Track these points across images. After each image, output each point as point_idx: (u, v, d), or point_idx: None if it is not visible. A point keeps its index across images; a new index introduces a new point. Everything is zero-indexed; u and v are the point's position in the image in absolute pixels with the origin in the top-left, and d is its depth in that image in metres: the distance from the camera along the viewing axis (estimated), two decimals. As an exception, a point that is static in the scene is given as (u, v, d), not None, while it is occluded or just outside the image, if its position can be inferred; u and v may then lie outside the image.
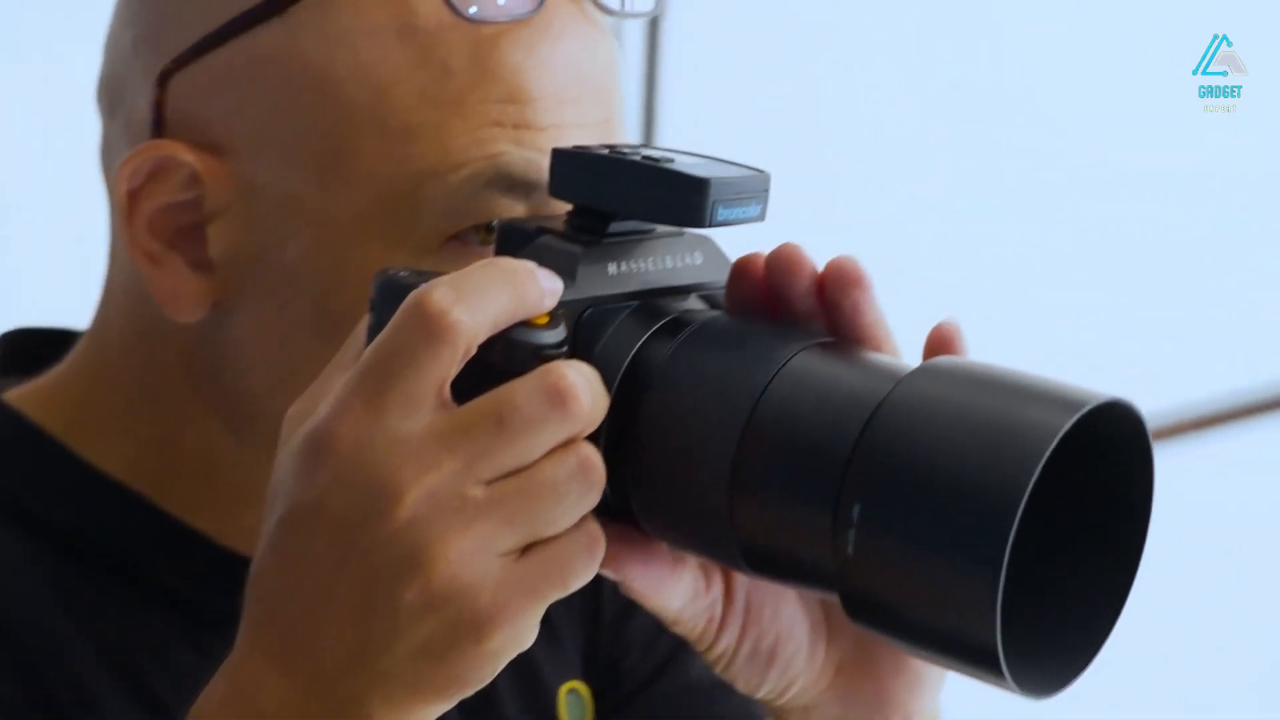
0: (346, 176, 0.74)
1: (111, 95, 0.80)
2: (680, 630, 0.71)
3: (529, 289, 0.63)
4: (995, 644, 0.58)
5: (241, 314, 0.77)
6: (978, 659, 0.60)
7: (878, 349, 0.67)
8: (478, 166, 0.73)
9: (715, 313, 0.68)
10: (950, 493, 0.59)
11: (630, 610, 0.90)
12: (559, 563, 0.63)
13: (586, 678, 0.91)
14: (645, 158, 0.67)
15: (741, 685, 0.72)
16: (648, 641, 0.92)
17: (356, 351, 0.65)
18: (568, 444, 0.62)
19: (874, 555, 0.60)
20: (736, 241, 0.71)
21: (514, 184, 0.73)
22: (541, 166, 0.71)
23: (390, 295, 0.63)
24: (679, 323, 0.67)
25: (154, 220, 0.76)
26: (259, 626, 0.64)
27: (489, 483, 0.61)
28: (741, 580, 0.70)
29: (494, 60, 0.73)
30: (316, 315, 0.75)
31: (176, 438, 0.81)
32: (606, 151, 0.68)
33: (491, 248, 0.72)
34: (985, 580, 0.58)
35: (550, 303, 0.64)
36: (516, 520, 0.62)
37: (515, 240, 0.69)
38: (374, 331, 0.63)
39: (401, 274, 0.64)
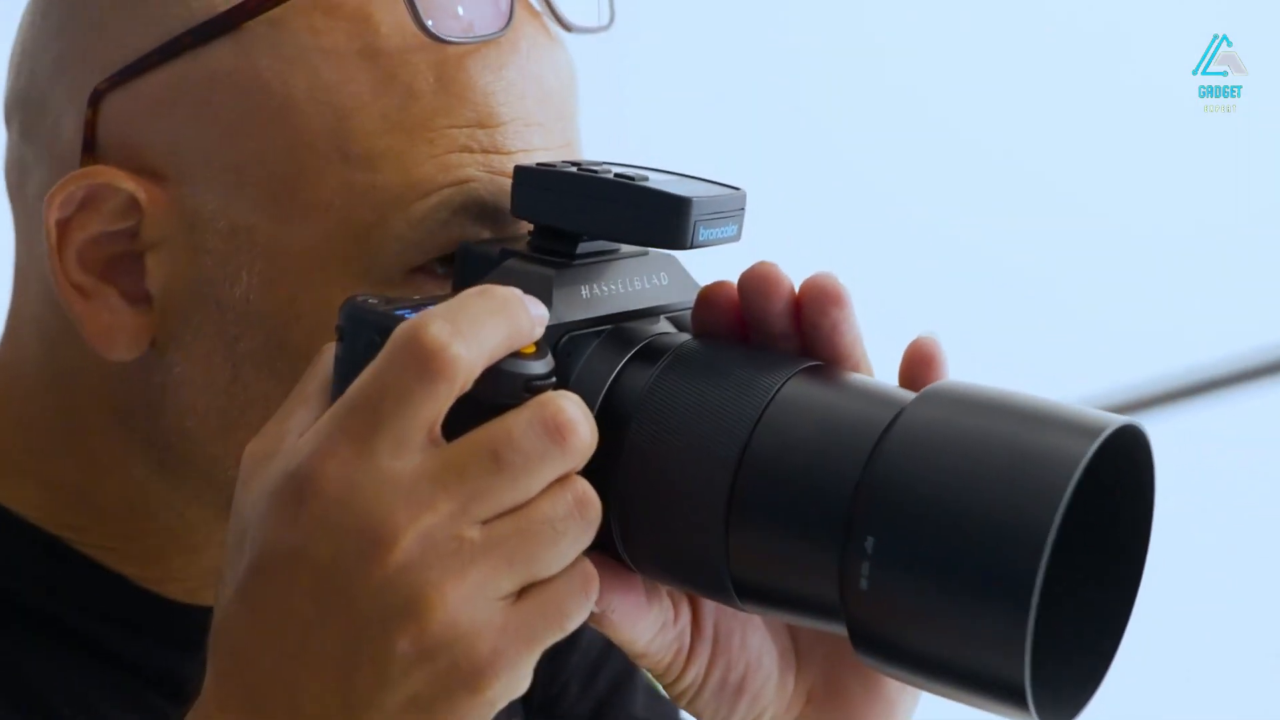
0: (303, 206, 0.69)
1: (25, 114, 0.74)
2: (646, 663, 0.68)
3: (521, 318, 0.60)
4: (1023, 680, 0.56)
5: (183, 351, 0.71)
6: (1002, 694, 0.58)
7: (855, 370, 0.65)
8: (446, 194, 0.68)
9: (687, 337, 0.66)
10: (972, 524, 0.57)
11: (567, 646, 0.86)
12: (557, 604, 0.60)
13: (525, 717, 0.87)
14: (618, 175, 0.65)
15: (708, 718, 0.69)
16: (586, 678, 0.90)
17: (320, 384, 0.62)
18: (563, 480, 0.59)
19: (890, 589, 0.58)
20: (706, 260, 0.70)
21: (483, 211, 0.69)
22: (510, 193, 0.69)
23: (360, 324, 0.60)
24: (653, 348, 0.64)
25: (84, 251, 0.71)
26: (227, 682, 0.60)
27: (485, 523, 0.59)
28: (709, 609, 0.68)
29: (461, 82, 0.69)
30: (269, 353, 0.70)
31: (98, 481, 0.75)
32: (575, 169, 0.66)
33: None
34: (1014, 615, 0.56)
35: (539, 331, 0.61)
36: (515, 562, 0.59)
37: (476, 264, 0.66)
38: (343, 362, 0.61)
39: (369, 301, 0.61)
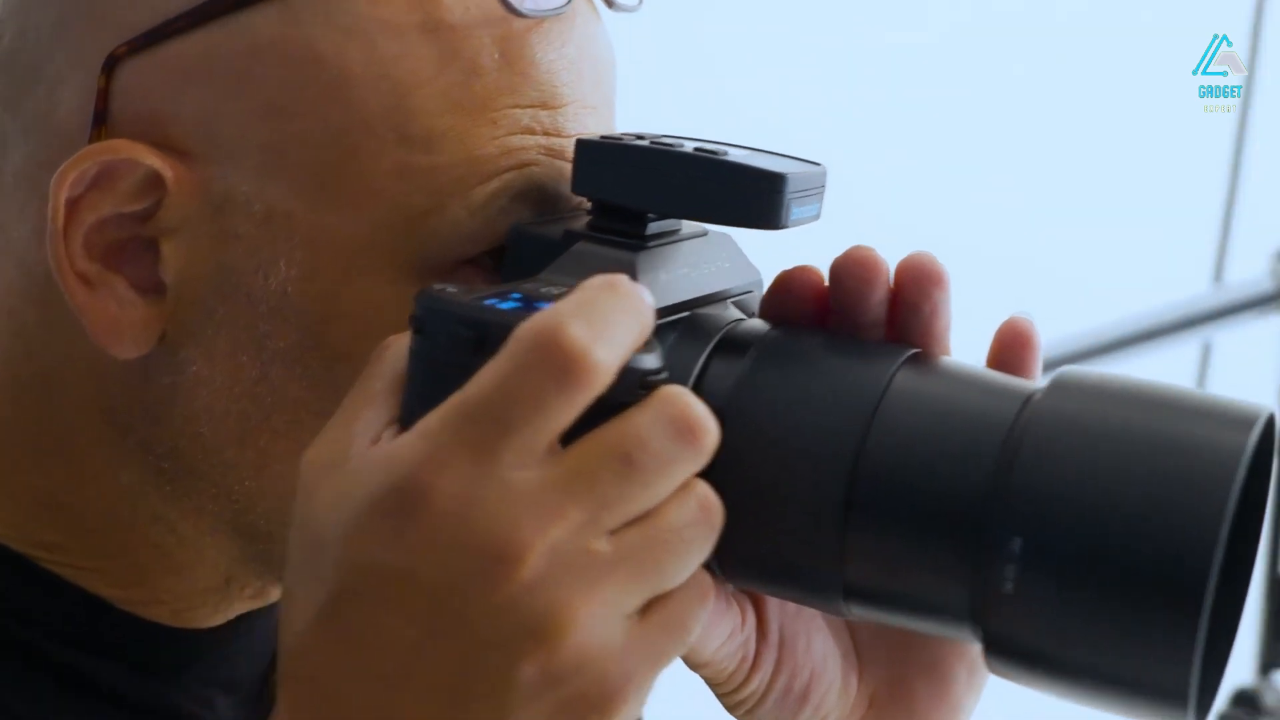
0: (351, 191, 0.63)
1: (7, 82, 0.67)
2: (706, 673, 0.64)
3: (646, 313, 0.56)
4: (1188, 685, 0.55)
5: (200, 347, 0.65)
6: (1159, 699, 0.56)
7: (945, 355, 0.62)
8: (507, 179, 0.64)
9: (765, 326, 0.62)
10: (1132, 523, 0.55)
11: None
12: (679, 619, 0.56)
13: None
14: (699, 150, 0.61)
15: None
16: None
17: (388, 383, 0.57)
18: (685, 484, 0.55)
19: (1039, 592, 0.56)
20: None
21: (542, 198, 0.64)
22: (570, 179, 0.64)
23: (443, 316, 0.56)
24: (734, 339, 0.61)
25: (91, 234, 0.64)
26: (306, 713, 0.55)
27: (612, 534, 0.54)
28: (774, 612, 0.65)
29: (526, 59, 0.64)
30: (303, 351, 0.65)
31: (78, 492, 0.68)
32: (647, 142, 0.62)
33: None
34: (1183, 617, 0.54)
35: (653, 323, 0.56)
36: (644, 575, 0.55)
37: (533, 248, 0.62)
38: (422, 358, 0.57)
39: (448, 290, 0.57)
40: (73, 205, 0.64)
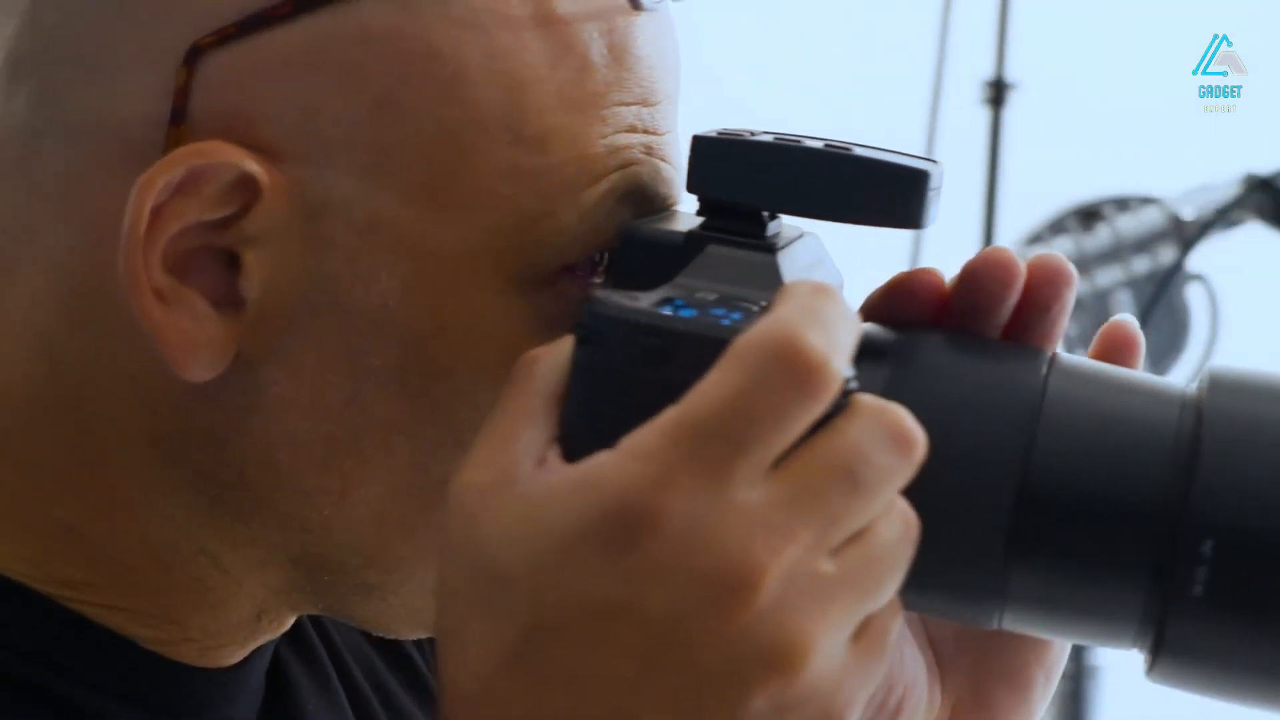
0: (461, 195, 0.59)
1: (48, 75, 0.60)
2: None
3: (856, 319, 0.54)
4: None
5: (285, 366, 0.60)
6: None
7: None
8: (614, 179, 0.60)
9: (883, 329, 0.60)
10: None
11: None
12: (883, 640, 0.54)
13: None
14: (830, 146, 0.59)
15: None
16: None
17: (547, 399, 0.55)
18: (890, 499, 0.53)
19: (1230, 594, 0.55)
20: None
21: (642, 199, 0.61)
22: (668, 179, 0.62)
23: (620, 327, 0.54)
24: (866, 344, 0.58)
25: (170, 245, 0.59)
26: None
27: (834, 553, 0.52)
28: None
29: (632, 54, 0.61)
30: (402, 370, 0.60)
31: (113, 525, 0.63)
32: (772, 139, 0.59)
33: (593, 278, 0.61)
34: None
35: None
36: (865, 597, 0.53)
37: (648, 251, 0.59)
38: (593, 372, 0.54)
39: (617, 300, 0.54)
40: (155, 213, 0.58)
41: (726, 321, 0.54)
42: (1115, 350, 0.62)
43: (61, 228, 0.61)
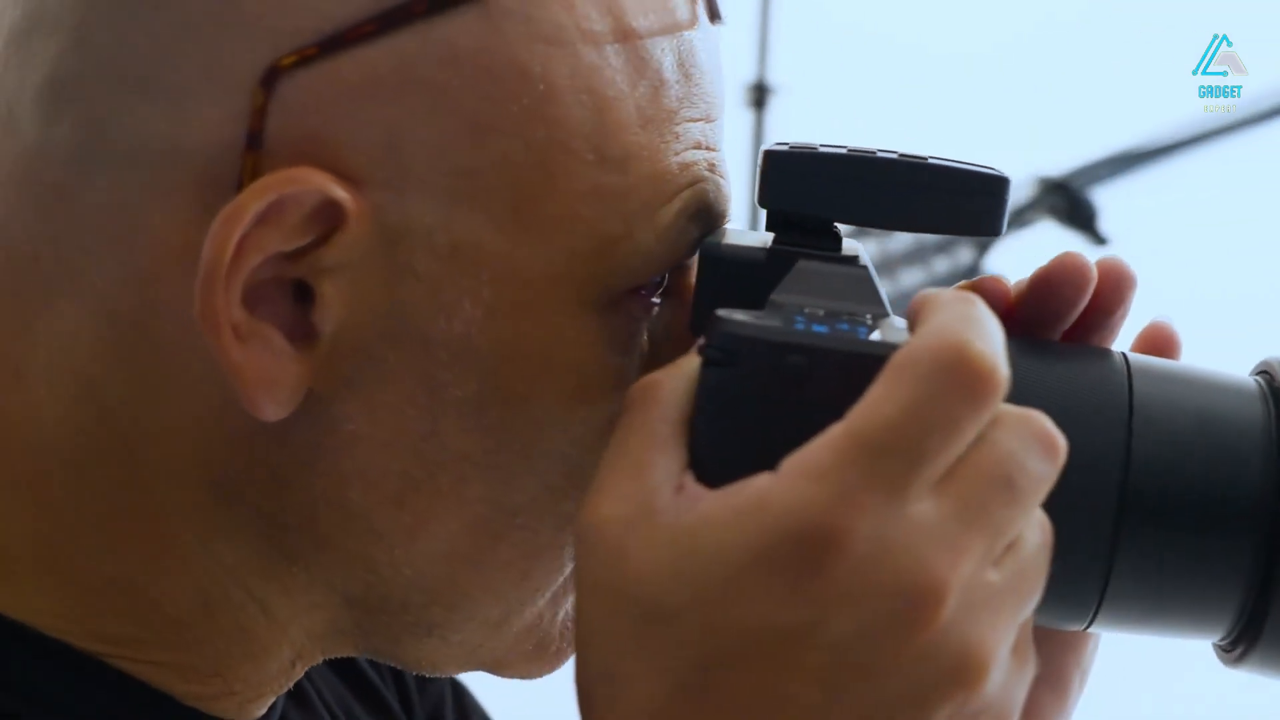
0: (546, 218, 0.57)
1: (100, 98, 0.56)
2: None
3: (1000, 327, 0.53)
4: None
5: (362, 402, 0.57)
6: None
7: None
8: (685, 198, 0.59)
9: None
10: None
11: (422, 683, 0.80)
12: (1031, 646, 0.54)
13: None
14: (904, 157, 0.59)
15: None
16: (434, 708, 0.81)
17: (675, 425, 0.54)
18: None
19: None
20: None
21: (712, 217, 0.60)
22: (727, 196, 0.61)
23: (767, 349, 0.53)
24: None
25: (249, 278, 0.55)
26: None
27: (996, 563, 0.52)
28: None
29: (698, 69, 0.60)
30: (481, 401, 0.58)
31: (159, 578, 0.59)
32: (845, 151, 0.59)
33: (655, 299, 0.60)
34: None
35: None
36: (1024, 605, 0.52)
37: (730, 269, 0.59)
38: (725, 394, 0.53)
39: (746, 319, 0.54)
40: (241, 245, 0.55)
41: (862, 336, 0.54)
42: (1159, 349, 0.63)
43: (110, 262, 0.57)
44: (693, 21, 0.60)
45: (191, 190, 0.56)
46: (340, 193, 0.55)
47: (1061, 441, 0.52)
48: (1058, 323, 0.61)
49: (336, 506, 0.58)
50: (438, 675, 0.71)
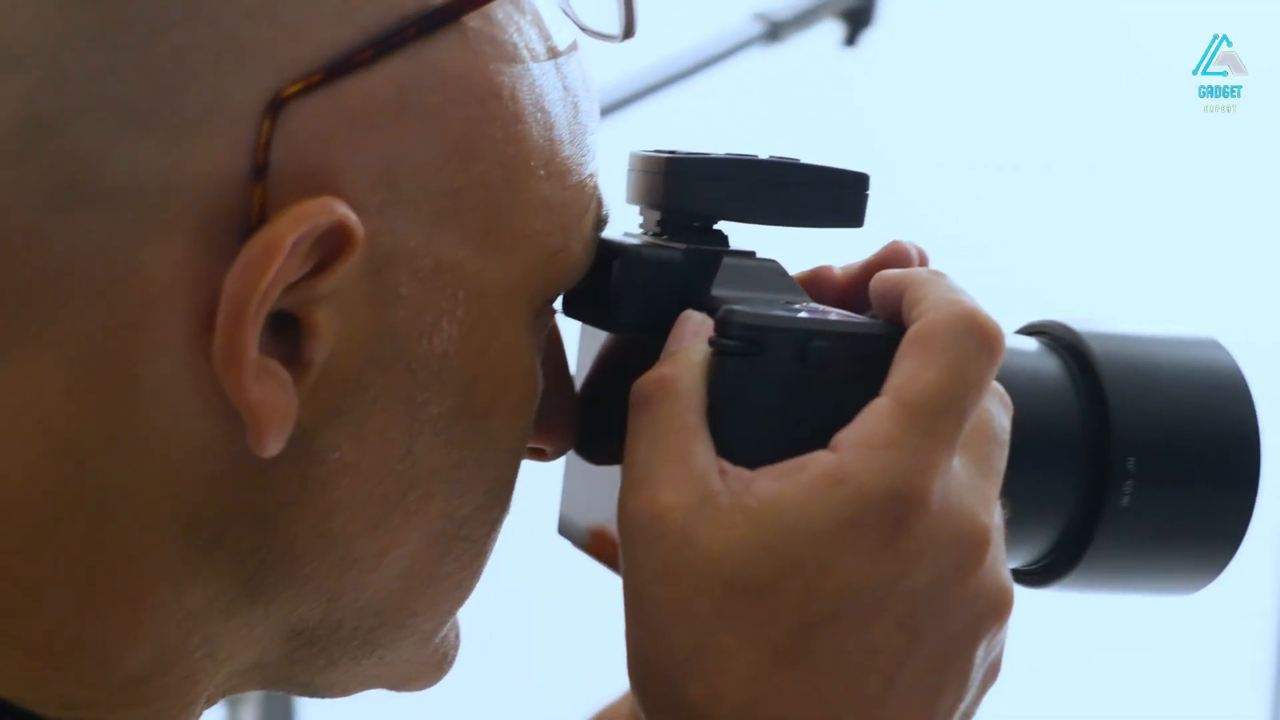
0: (511, 234, 0.57)
1: (80, 138, 0.53)
2: None
3: None
4: (1235, 551, 0.67)
5: (346, 430, 0.56)
6: (1213, 565, 0.67)
7: None
8: (594, 208, 0.61)
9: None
10: (1205, 438, 0.66)
11: None
12: None
13: None
14: (775, 158, 0.63)
15: None
16: None
17: (701, 414, 0.57)
18: None
19: (1148, 502, 0.65)
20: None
21: (604, 224, 0.62)
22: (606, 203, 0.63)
23: (788, 336, 0.57)
24: None
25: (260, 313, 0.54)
26: None
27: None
28: None
29: (590, 85, 0.61)
30: (452, 418, 0.58)
31: (129, 635, 0.56)
32: (725, 155, 0.63)
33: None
34: (1247, 498, 0.66)
35: None
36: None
37: (649, 272, 0.62)
38: (745, 379, 0.57)
39: (757, 311, 0.58)
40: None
41: (852, 318, 0.60)
42: (899, 264, 0.66)
43: (89, 307, 0.53)
44: (571, 47, 0.61)
45: (187, 227, 0.53)
46: (354, 221, 0.54)
47: (1009, 401, 0.59)
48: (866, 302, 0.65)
49: (317, 537, 0.57)
50: (336, 698, 0.69)
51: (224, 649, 0.58)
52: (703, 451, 0.56)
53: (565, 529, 0.69)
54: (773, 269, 0.62)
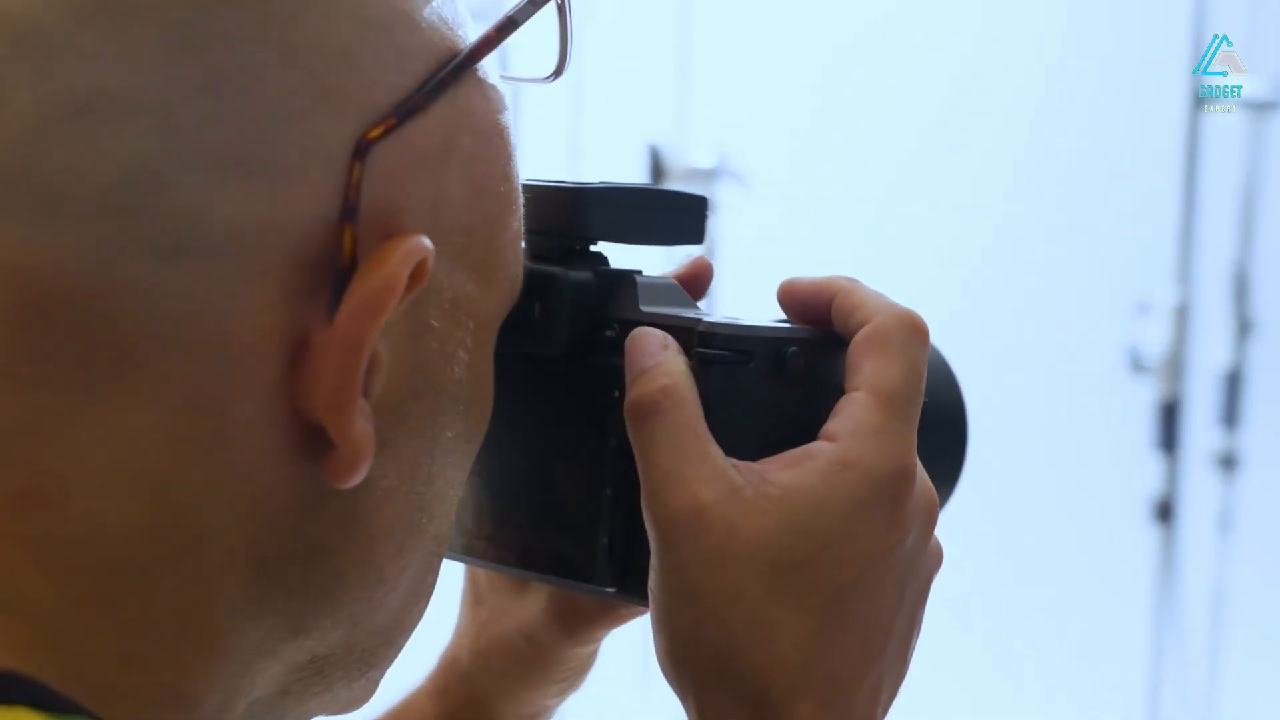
0: (499, 266, 0.61)
1: (188, 188, 0.53)
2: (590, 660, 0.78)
3: None
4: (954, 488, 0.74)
5: (391, 458, 0.58)
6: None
7: None
8: (521, 234, 0.64)
9: None
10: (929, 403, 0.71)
11: None
12: None
13: None
14: (631, 185, 0.69)
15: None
16: None
17: (700, 416, 0.63)
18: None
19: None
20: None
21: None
22: None
23: (766, 343, 0.65)
24: None
25: None
26: (838, 712, 0.63)
27: None
28: None
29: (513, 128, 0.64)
30: (461, 440, 0.61)
31: (206, 677, 0.56)
32: (594, 184, 0.68)
33: None
34: (961, 449, 0.74)
35: None
36: None
37: (573, 293, 0.67)
38: (734, 385, 0.64)
39: (730, 324, 0.65)
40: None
41: (796, 326, 0.67)
42: (701, 279, 0.73)
43: (187, 357, 0.54)
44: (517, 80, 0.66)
45: (282, 271, 0.54)
46: (434, 256, 0.56)
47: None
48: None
49: (360, 565, 0.58)
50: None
51: (255, 688, 0.58)
52: (716, 451, 0.63)
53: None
54: (673, 286, 0.68)
